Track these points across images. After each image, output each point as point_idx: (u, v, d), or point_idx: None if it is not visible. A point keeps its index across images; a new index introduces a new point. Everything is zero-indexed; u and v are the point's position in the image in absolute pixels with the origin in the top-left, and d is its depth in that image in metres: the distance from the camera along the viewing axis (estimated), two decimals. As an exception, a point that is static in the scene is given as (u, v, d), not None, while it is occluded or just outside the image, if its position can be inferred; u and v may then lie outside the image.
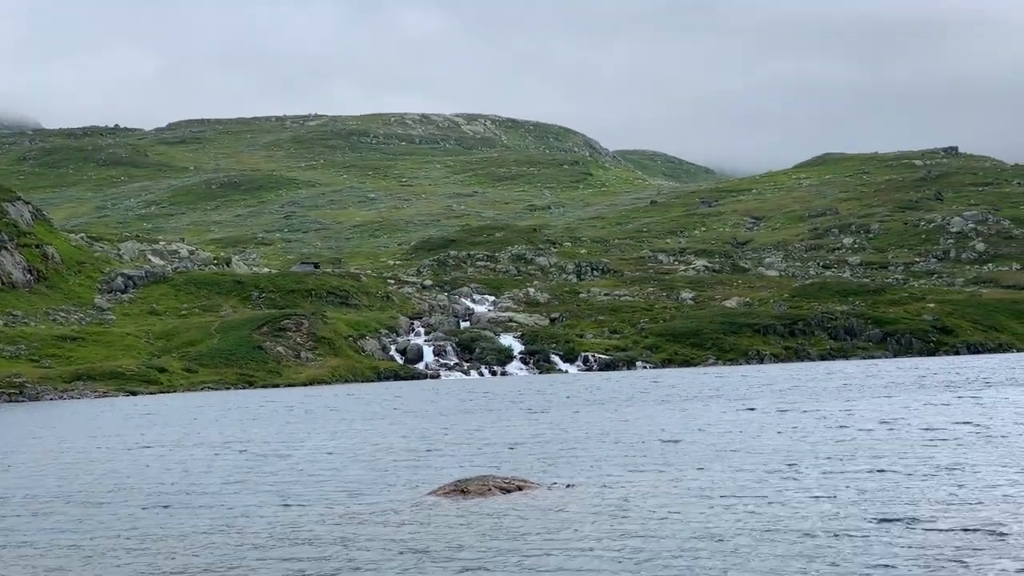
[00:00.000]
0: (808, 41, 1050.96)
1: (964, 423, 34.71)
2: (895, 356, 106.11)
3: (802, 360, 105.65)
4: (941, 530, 17.67)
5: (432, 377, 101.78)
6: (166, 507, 24.23)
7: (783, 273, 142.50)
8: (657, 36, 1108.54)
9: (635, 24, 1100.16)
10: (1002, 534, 17.26)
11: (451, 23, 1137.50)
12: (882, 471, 24.64)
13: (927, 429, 33.32)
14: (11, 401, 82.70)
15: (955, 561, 15.67)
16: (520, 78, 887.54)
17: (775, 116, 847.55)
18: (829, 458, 27.46)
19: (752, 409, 44.73)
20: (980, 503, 19.99)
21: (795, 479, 24.11)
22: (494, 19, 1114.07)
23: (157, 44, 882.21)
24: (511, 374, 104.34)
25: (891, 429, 33.96)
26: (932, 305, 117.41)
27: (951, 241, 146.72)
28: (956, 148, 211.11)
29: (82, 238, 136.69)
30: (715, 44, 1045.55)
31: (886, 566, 15.59)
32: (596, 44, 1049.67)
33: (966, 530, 17.55)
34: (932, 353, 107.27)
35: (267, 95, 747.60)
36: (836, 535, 17.77)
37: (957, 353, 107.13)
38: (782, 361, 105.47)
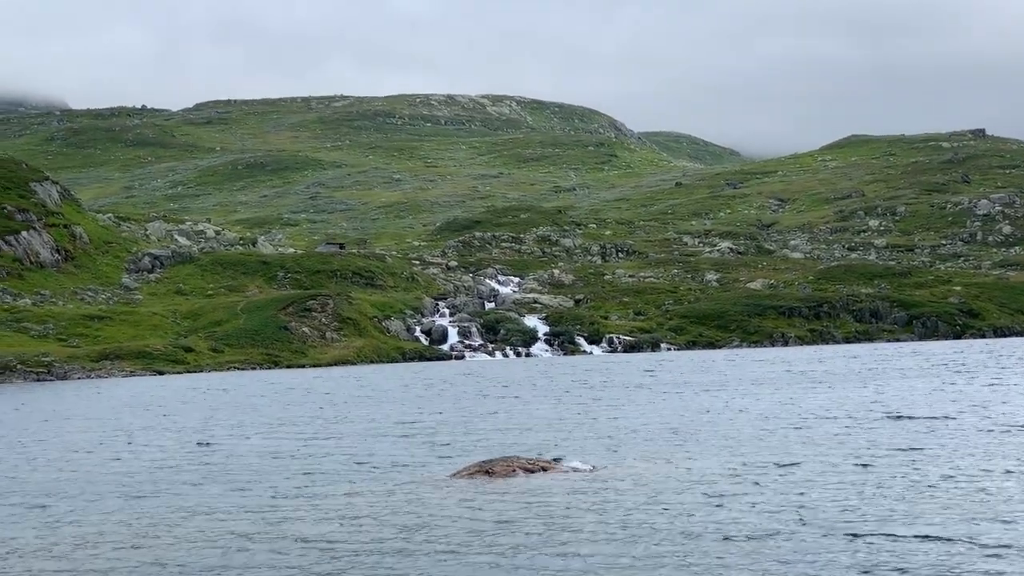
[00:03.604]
0: (824, 20, 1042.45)
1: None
2: (921, 339, 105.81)
3: (827, 343, 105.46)
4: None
5: (457, 358, 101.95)
6: (200, 482, 24.50)
7: (808, 255, 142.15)
8: (654, 12, 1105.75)
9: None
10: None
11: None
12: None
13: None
14: (39, 380, 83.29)
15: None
16: (517, 54, 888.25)
17: (796, 97, 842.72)
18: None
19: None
20: None
21: (806, 465, 24.20)
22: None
23: (150, 21, 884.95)
24: (536, 355, 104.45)
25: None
26: (958, 288, 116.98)
27: (978, 224, 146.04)
28: (983, 130, 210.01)
29: (110, 218, 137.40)
30: (715, 21, 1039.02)
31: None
32: (595, 19, 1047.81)
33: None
34: (958, 336, 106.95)
35: (261, 72, 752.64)
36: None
37: (983, 336, 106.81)
38: (807, 344, 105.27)
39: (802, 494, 20.15)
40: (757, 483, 21.55)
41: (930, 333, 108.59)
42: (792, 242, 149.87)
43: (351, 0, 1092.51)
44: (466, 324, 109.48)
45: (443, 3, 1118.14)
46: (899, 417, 32.83)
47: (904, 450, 25.58)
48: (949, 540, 16.16)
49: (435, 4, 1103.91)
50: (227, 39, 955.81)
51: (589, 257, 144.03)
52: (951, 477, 21.52)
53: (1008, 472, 21.96)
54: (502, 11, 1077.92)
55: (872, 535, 16.62)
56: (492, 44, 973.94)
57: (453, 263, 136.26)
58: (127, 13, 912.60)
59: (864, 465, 23.35)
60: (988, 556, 15.24)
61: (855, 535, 16.66)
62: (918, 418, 32.38)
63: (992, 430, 28.92)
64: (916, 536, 16.48)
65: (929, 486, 20.56)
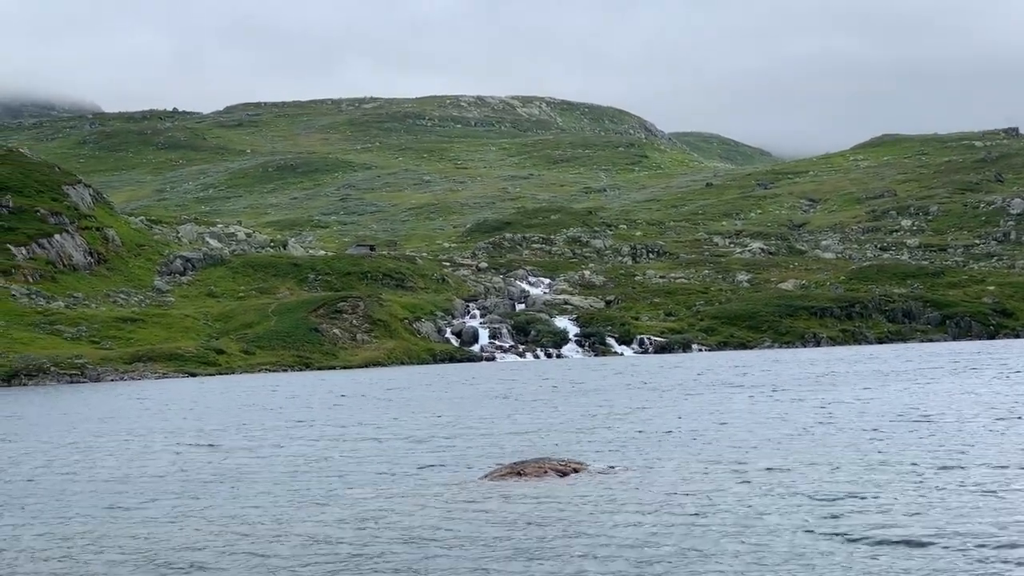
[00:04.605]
0: (852, 17, 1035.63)
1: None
2: (954, 339, 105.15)
3: (859, 343, 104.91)
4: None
5: (487, 360, 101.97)
6: (228, 486, 24.52)
7: (840, 255, 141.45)
8: (674, 10, 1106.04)
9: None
10: None
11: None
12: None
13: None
14: (72, 382, 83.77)
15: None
16: (537, 54, 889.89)
17: (826, 96, 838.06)
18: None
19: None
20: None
21: (842, 469, 24.05)
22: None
23: (162, 22, 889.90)
24: (566, 356, 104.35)
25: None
26: (992, 288, 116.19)
27: (1011, 223, 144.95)
28: (1016, 129, 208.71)
29: (142, 221, 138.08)
30: (737, 20, 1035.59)
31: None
32: (614, 18, 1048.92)
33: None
34: (992, 336, 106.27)
35: (278, 74, 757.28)
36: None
37: (1017, 336, 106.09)
38: (839, 344, 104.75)
39: (824, 499, 20.01)
40: (782, 485, 21.41)
41: (963, 333, 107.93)
42: (824, 242, 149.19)
43: (363, 0, 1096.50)
44: (497, 325, 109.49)
45: (456, 3, 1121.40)
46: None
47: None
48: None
49: (448, 4, 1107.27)
50: (240, 41, 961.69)
51: (620, 258, 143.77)
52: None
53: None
54: (517, 10, 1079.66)
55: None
56: (509, 44, 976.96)
57: (483, 264, 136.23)
58: (138, 14, 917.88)
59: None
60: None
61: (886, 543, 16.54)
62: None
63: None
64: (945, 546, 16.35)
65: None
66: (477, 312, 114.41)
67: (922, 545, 16.03)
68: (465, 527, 18.50)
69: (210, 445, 33.87)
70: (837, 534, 16.93)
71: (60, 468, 29.60)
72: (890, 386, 46.78)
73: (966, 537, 16.40)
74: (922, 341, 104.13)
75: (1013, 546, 15.79)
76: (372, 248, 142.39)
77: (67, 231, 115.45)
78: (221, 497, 23.25)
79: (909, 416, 33.48)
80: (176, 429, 40.16)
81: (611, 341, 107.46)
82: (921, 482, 21.23)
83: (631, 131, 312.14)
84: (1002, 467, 22.72)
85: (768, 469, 23.63)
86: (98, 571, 16.84)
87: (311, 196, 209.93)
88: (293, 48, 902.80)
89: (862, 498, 19.76)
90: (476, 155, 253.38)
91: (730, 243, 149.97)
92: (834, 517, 18.19)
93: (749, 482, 21.99)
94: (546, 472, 23.47)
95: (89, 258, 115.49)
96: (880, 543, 16.23)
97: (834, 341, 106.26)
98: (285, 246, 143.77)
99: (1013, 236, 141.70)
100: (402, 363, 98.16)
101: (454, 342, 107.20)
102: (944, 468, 22.84)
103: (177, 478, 26.68)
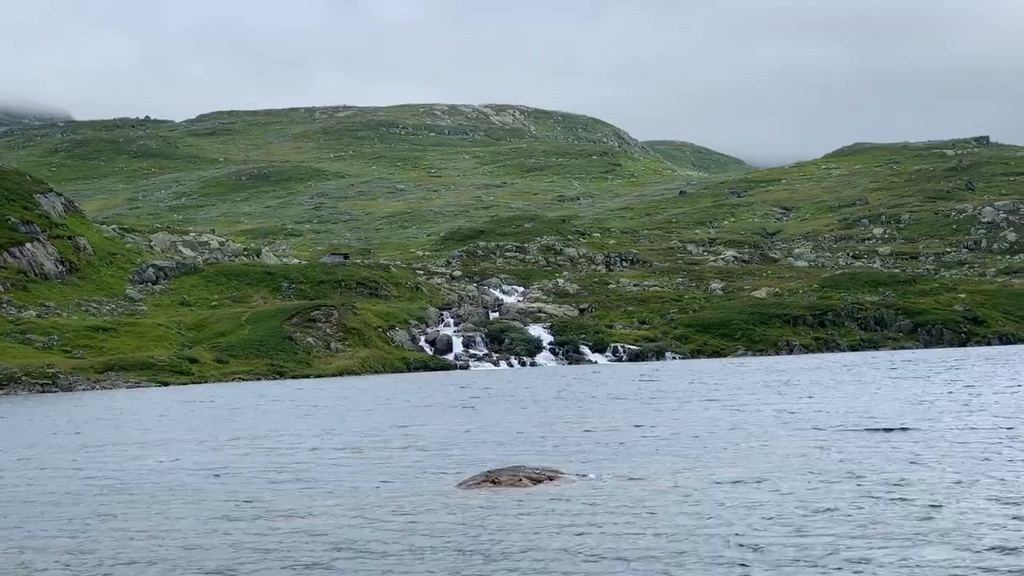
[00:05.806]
0: (824, 26, 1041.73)
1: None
2: (926, 347, 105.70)
3: (832, 351, 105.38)
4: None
5: (462, 368, 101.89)
6: (200, 498, 24.43)
7: (813, 263, 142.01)
8: (641, 17, 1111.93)
9: (617, 5, 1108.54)
10: None
11: (427, 8, 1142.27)
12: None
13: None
14: (43, 392, 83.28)
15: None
16: (508, 62, 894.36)
17: (798, 104, 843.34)
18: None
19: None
20: None
21: (814, 474, 24.14)
22: (473, 3, 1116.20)
23: (137, 31, 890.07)
24: (540, 365, 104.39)
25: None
26: (963, 295, 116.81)
27: (982, 231, 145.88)
28: (987, 137, 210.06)
29: (114, 229, 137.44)
30: (705, 27, 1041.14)
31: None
32: (583, 27, 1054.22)
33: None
34: (963, 344, 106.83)
35: (250, 83, 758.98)
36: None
37: (988, 343, 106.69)
38: (812, 352, 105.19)
39: (799, 511, 20.08)
40: (760, 493, 21.47)
41: (935, 341, 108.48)
42: (797, 250, 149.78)
43: (334, 9, 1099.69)
44: (471, 334, 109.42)
45: (427, 13, 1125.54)
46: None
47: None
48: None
49: (421, 12, 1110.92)
50: (213, 49, 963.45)
51: (593, 266, 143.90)
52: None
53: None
54: (490, 19, 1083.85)
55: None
56: (482, 52, 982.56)
57: (457, 273, 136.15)
58: (109, 22, 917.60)
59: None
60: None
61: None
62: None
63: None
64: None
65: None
66: (451, 320, 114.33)
67: (868, 561, 16.09)
68: (437, 535, 18.48)
69: (175, 459, 33.72)
70: (807, 558, 17.00)
71: None
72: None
73: (912, 555, 16.50)
74: (894, 349, 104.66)
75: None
76: (346, 257, 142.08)
77: (39, 240, 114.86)
78: (172, 512, 23.15)
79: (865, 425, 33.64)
80: (126, 440, 39.99)
81: (585, 349, 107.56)
82: (869, 495, 21.33)
83: (604, 139, 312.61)
84: (955, 482, 22.86)
85: (738, 480, 23.69)
86: None
87: (284, 205, 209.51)
88: (266, 56, 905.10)
89: (819, 511, 19.86)
90: (450, 163, 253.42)
91: (703, 251, 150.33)
92: (799, 531, 18.27)
93: (723, 490, 22.05)
94: (520, 480, 23.48)
95: (61, 267, 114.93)
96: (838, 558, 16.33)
97: (807, 349, 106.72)
98: (258, 255, 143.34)
99: (984, 244, 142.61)
100: (376, 372, 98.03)
101: (428, 350, 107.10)
102: (893, 483, 22.97)
103: (130, 489, 26.56)
